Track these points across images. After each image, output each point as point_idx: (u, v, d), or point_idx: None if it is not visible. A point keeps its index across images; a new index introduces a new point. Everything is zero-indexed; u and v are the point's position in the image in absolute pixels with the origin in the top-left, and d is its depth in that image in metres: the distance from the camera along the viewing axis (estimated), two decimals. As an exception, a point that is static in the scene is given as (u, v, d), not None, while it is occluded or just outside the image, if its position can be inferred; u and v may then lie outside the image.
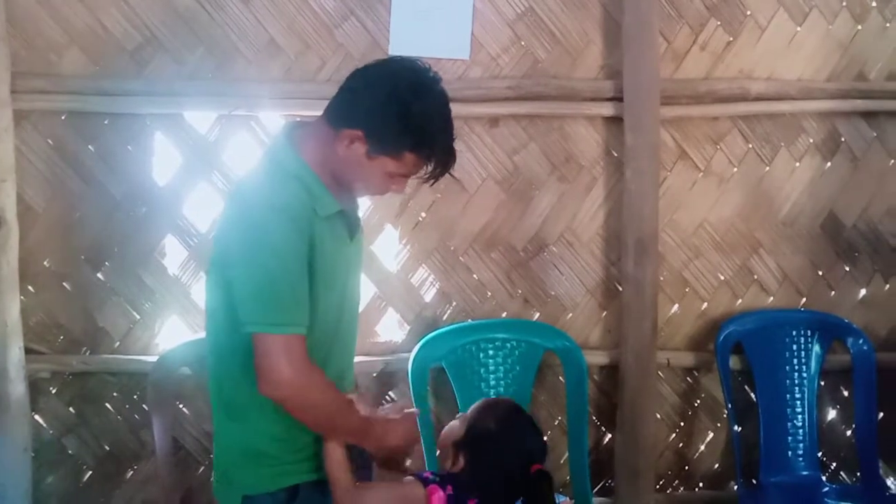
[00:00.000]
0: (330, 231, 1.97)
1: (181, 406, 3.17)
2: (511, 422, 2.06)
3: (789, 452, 3.32)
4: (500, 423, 2.04)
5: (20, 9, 2.99)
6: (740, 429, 3.32)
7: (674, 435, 3.46)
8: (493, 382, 3.21)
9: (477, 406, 2.11)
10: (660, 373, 3.36)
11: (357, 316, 2.19)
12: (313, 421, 1.94)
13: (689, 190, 3.33)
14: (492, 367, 3.22)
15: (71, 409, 3.20)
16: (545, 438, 3.27)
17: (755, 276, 3.40)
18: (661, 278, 3.31)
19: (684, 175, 3.32)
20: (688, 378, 3.44)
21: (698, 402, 3.46)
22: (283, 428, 1.97)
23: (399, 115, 1.88)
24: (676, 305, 3.39)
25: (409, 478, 2.00)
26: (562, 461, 3.33)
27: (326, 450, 1.98)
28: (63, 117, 3.08)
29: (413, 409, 2.16)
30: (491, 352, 3.23)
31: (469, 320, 3.29)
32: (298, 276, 1.88)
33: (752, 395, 3.38)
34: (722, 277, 3.39)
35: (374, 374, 3.26)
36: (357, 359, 2.96)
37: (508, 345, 3.23)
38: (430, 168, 1.98)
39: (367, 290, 3.25)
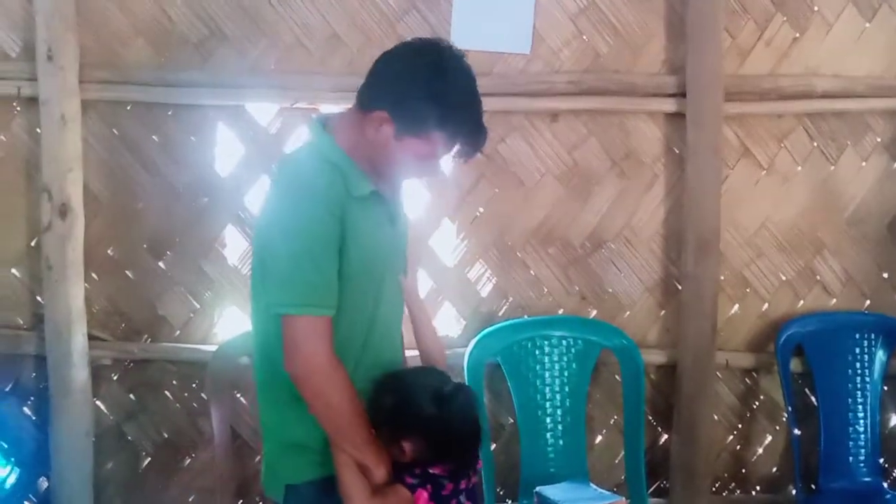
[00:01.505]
0: (364, 213, 1.95)
1: (239, 395, 3.20)
2: (399, 385, 2.00)
3: (850, 458, 3.25)
4: (394, 394, 1.98)
5: (89, 1, 3.04)
6: (800, 432, 3.26)
7: (731, 437, 3.40)
8: (548, 380, 3.19)
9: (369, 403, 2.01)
10: (718, 373, 3.30)
11: (401, 304, 2.17)
12: (325, 412, 1.90)
13: (751, 188, 3.27)
14: (548, 365, 3.20)
15: (131, 395, 3.26)
16: (598, 439, 3.30)
17: (818, 277, 3.34)
18: (722, 278, 3.25)
19: (747, 173, 3.26)
20: (746, 379, 3.38)
21: (757, 404, 3.40)
22: None
23: (421, 93, 1.88)
24: (737, 305, 3.34)
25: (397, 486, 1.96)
26: (617, 461, 3.30)
27: (338, 464, 1.94)
28: (128, 108, 3.13)
29: None
30: (547, 349, 3.21)
31: (525, 316, 3.27)
32: (326, 258, 1.88)
33: (813, 399, 3.31)
34: (784, 278, 3.33)
35: (430, 369, 3.26)
36: (412, 353, 2.99)
37: (565, 342, 3.21)
38: (458, 146, 1.96)
39: (423, 285, 3.25)
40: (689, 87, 3.11)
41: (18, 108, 3.10)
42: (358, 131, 1.95)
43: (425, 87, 1.88)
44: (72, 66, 2.98)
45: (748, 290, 3.33)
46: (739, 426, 3.41)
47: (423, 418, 1.95)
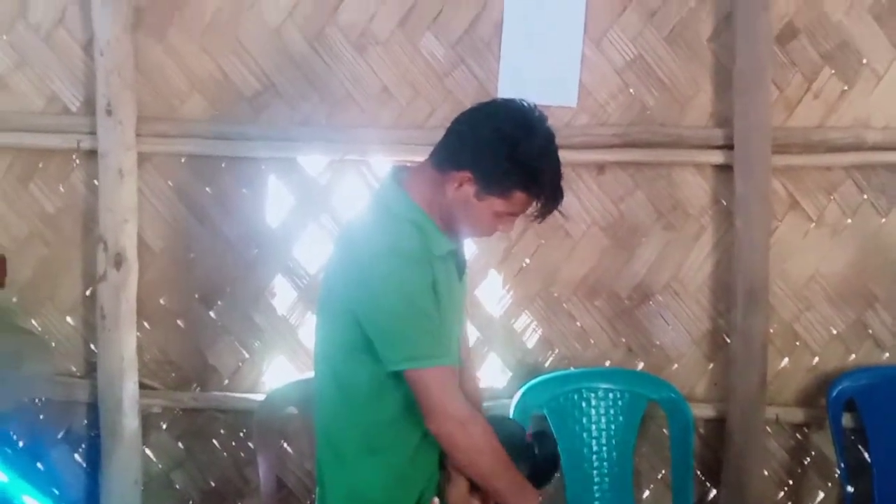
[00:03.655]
0: (445, 271, 2.01)
1: (286, 445, 3.22)
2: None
3: (905, 515, 3.18)
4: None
5: (149, 58, 3.15)
6: (853, 489, 3.18)
7: (782, 493, 3.33)
8: (595, 433, 3.16)
9: None
10: (768, 428, 3.25)
11: (459, 359, 2.20)
12: (478, 461, 1.94)
13: (800, 240, 3.24)
14: (594, 417, 3.17)
15: (180, 444, 3.29)
16: (646, 494, 3.27)
17: (870, 331, 3.28)
18: (771, 330, 3.22)
19: (796, 225, 3.24)
20: (797, 434, 3.32)
21: (808, 459, 3.34)
22: (393, 477, 2.00)
23: (507, 154, 1.91)
24: (786, 359, 3.29)
25: None
26: (665, 516, 3.26)
27: (452, 487, 1.99)
28: (183, 160, 3.20)
29: None
30: (594, 401, 3.19)
31: (571, 367, 3.26)
32: (431, 313, 1.92)
33: (866, 455, 3.25)
34: (834, 331, 3.28)
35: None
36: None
37: (612, 394, 3.19)
38: (538, 206, 2.00)
39: (470, 335, 3.26)
40: (737, 139, 3.10)
41: (78, 161, 3.19)
42: (434, 188, 1.99)
43: (511, 149, 1.91)
44: (129, 120, 3.07)
45: (798, 343, 3.29)
46: (790, 482, 3.34)
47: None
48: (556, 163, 2.00)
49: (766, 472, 3.28)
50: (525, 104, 2.00)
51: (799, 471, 3.34)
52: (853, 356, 3.30)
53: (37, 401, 3.23)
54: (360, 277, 1.95)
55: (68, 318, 3.25)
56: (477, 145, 1.94)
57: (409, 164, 2.18)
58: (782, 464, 3.33)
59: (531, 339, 3.28)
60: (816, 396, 3.28)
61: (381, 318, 1.91)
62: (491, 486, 1.97)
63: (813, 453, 3.33)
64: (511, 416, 3.05)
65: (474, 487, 2.00)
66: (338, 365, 2.01)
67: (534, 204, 2.00)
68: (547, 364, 3.28)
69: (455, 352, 2.10)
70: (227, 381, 3.26)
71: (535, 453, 2.08)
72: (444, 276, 1.99)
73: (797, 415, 3.29)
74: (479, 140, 1.94)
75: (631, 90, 3.19)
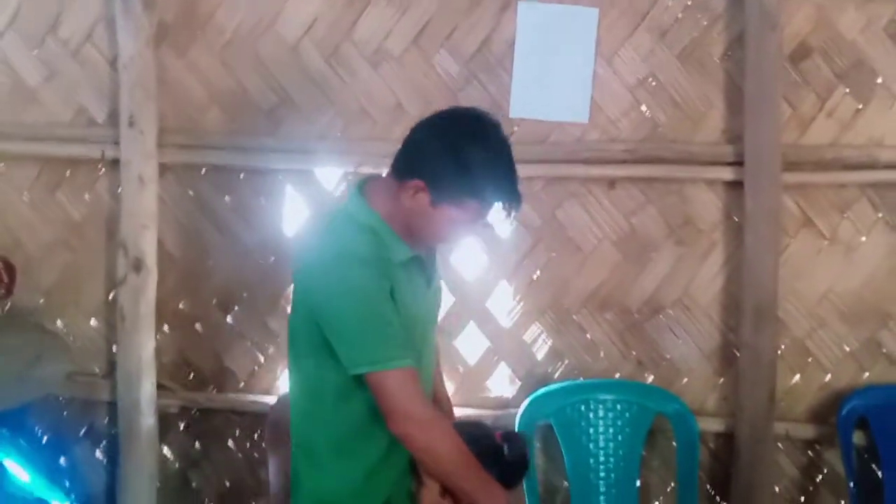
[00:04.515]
0: (407, 278, 2.02)
1: (297, 447, 3.30)
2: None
3: (917, 535, 3.15)
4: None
5: (170, 71, 3.27)
6: (864, 508, 3.18)
7: (792, 510, 3.34)
8: (602, 443, 3.19)
9: None
10: (779, 444, 3.25)
11: (433, 365, 2.24)
12: (438, 460, 1.96)
13: (813, 258, 3.23)
14: (601, 428, 3.20)
15: (197, 444, 3.40)
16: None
17: (884, 350, 3.25)
18: (783, 347, 3.21)
19: (809, 243, 3.23)
20: (809, 451, 3.31)
21: (820, 477, 3.32)
22: (362, 478, 2.02)
23: (456, 163, 1.92)
24: (798, 375, 3.28)
25: None
26: (670, 528, 3.28)
27: (425, 490, 2.03)
28: (203, 171, 3.31)
29: None
30: (601, 412, 3.21)
31: (581, 379, 3.29)
32: (391, 314, 1.93)
33: (879, 473, 3.23)
34: (847, 349, 3.25)
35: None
36: (467, 411, 3.04)
37: (618, 406, 3.21)
38: (494, 213, 2.01)
39: (479, 345, 3.32)
40: (748, 155, 3.10)
41: (102, 170, 3.32)
42: (393, 197, 2.01)
43: (460, 156, 1.92)
44: (151, 131, 3.18)
45: (810, 360, 3.27)
46: (802, 499, 3.33)
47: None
48: (508, 170, 1.98)
49: (776, 489, 3.27)
50: (478, 111, 2.02)
51: (810, 488, 3.32)
52: (867, 374, 3.27)
53: (60, 398, 3.36)
54: (317, 282, 1.97)
55: (92, 321, 3.39)
56: (428, 154, 1.95)
57: (375, 175, 2.21)
58: (793, 480, 3.32)
59: (541, 351, 3.32)
60: (828, 414, 3.26)
61: (338, 322, 1.93)
62: (457, 487, 1.98)
63: (825, 471, 3.31)
64: (517, 425, 3.10)
65: (447, 491, 2.02)
66: (306, 368, 2.04)
67: (489, 212, 2.00)
68: (556, 375, 3.31)
69: (425, 357, 2.11)
70: (242, 384, 3.36)
71: (504, 454, 2.09)
72: (405, 284, 2.00)
73: (808, 431, 3.27)
74: (430, 149, 1.96)
75: (643, 107, 3.21)
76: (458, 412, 3.00)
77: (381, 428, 1.96)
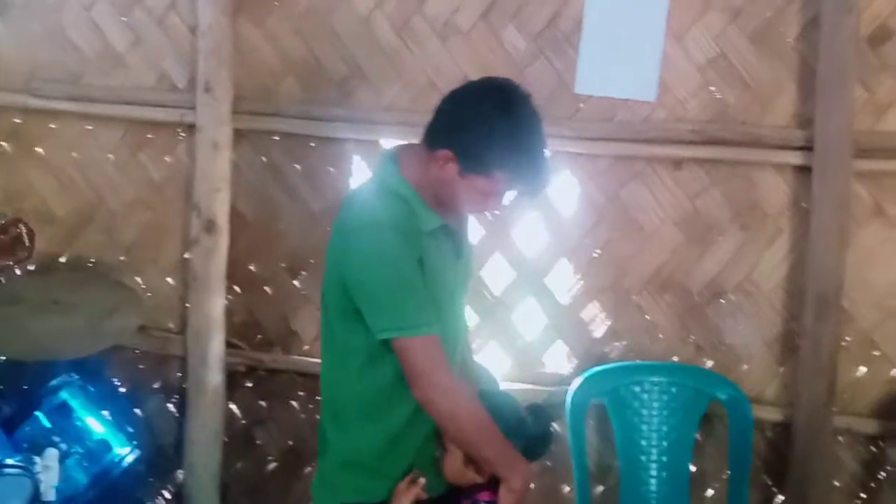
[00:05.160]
0: (435, 248, 2.04)
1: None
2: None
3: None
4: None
5: (246, 40, 3.38)
6: (928, 507, 3.10)
7: (852, 505, 3.27)
8: (655, 425, 3.18)
9: None
10: (840, 438, 3.18)
11: (462, 337, 2.25)
12: (461, 428, 1.97)
13: (884, 248, 3.14)
14: (655, 410, 3.19)
15: (262, 402, 3.52)
16: (710, 492, 3.25)
17: (957, 346, 3.16)
18: (849, 339, 3.14)
19: (880, 232, 3.13)
20: (871, 447, 3.23)
21: (884, 474, 3.24)
22: (386, 442, 2.06)
23: (485, 134, 1.93)
24: (863, 368, 3.21)
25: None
26: (722, 516, 3.25)
27: (448, 457, 2.07)
28: (275, 138, 3.42)
29: None
30: (656, 394, 3.20)
31: (637, 360, 3.29)
32: (418, 281, 1.96)
33: (945, 473, 3.14)
34: (917, 343, 3.18)
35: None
36: (522, 387, 3.06)
37: (673, 389, 3.19)
38: (521, 187, 2.01)
39: (537, 321, 3.35)
40: (817, 141, 3.04)
41: (182, 135, 3.46)
42: (424, 166, 2.04)
43: (489, 127, 1.94)
44: (225, 98, 3.30)
45: (877, 353, 3.19)
46: (863, 495, 3.25)
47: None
48: (538, 142, 1.99)
49: (836, 483, 3.21)
50: (509, 83, 2.02)
51: (872, 484, 3.25)
52: (936, 370, 3.19)
53: (136, 351, 3.53)
54: (347, 246, 2.01)
55: (168, 279, 3.54)
56: (458, 124, 1.97)
57: (408, 143, 2.24)
58: (854, 476, 3.24)
59: (599, 330, 3.32)
60: (894, 409, 3.18)
61: (366, 287, 1.96)
62: (480, 455, 2.01)
63: (888, 467, 3.23)
64: (568, 402, 3.12)
65: (470, 460, 2.05)
66: (335, 331, 2.08)
67: (517, 185, 2.01)
68: (613, 355, 3.31)
69: (451, 326, 2.12)
70: (307, 347, 3.46)
71: (528, 426, 2.12)
72: (433, 253, 2.02)
73: (871, 426, 3.19)
74: (460, 119, 1.97)
75: (712, 88, 3.16)
76: (513, 387, 3.07)
77: (407, 394, 1.99)
